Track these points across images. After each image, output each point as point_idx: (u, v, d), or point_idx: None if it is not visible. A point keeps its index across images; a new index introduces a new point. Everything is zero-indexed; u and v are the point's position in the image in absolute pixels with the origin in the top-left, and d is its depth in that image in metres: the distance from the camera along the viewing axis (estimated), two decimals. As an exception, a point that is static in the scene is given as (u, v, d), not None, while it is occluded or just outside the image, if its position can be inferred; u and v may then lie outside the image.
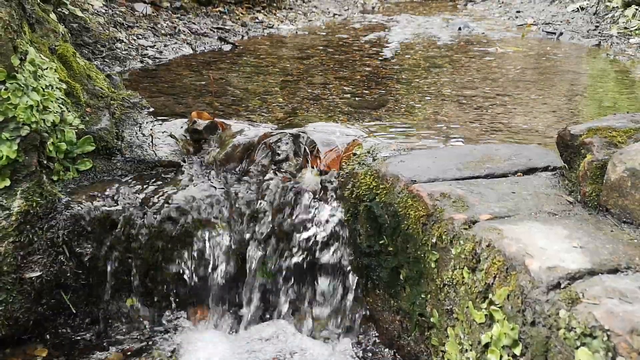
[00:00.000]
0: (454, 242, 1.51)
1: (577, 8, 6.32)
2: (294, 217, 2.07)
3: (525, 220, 1.48)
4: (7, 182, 1.89)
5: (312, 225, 2.05)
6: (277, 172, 2.21)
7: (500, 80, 3.52)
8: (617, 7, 5.65)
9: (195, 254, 2.07)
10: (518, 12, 7.02)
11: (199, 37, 4.62)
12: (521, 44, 5.03)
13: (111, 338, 2.04)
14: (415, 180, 1.76)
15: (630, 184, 1.44)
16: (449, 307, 1.55)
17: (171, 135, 2.41)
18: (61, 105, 2.16)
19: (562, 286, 1.20)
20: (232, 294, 2.11)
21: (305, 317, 2.07)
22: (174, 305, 2.11)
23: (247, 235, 2.09)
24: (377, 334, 1.99)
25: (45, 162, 2.04)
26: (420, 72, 3.75)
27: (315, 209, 2.07)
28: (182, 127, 2.44)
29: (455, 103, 2.94)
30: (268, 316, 2.11)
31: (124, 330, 2.07)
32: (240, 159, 2.28)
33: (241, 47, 4.51)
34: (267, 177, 2.19)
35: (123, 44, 3.89)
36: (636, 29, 5.12)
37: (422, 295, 1.68)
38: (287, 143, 2.26)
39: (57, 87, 2.19)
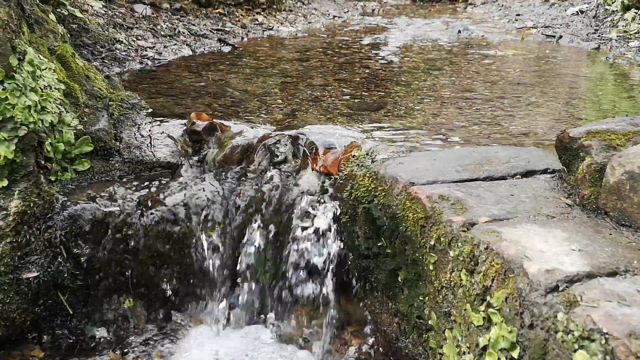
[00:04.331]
0: (452, 245, 1.51)
1: (577, 11, 6.33)
2: (292, 219, 2.07)
3: (524, 223, 1.48)
4: (5, 183, 1.89)
5: (311, 227, 2.04)
6: (276, 173, 2.21)
7: (500, 82, 3.52)
8: (617, 10, 5.66)
9: (192, 255, 2.06)
10: (517, 15, 7.02)
11: (199, 38, 4.62)
12: (520, 47, 5.04)
13: (108, 339, 2.03)
14: (413, 182, 1.76)
15: (629, 187, 1.44)
16: (447, 310, 1.55)
17: (170, 136, 2.41)
18: (59, 106, 2.16)
19: (561, 289, 1.19)
20: (229, 296, 2.10)
21: (302, 319, 2.06)
22: (171, 306, 2.11)
23: (245, 237, 2.08)
24: (375, 337, 1.98)
25: (43, 162, 2.04)
26: (420, 74, 3.75)
27: (314, 210, 2.06)
28: (180, 128, 2.44)
29: (455, 105, 2.94)
30: (266, 318, 2.10)
31: (121, 331, 2.06)
32: (239, 160, 2.28)
33: (241, 49, 4.51)
34: (265, 178, 2.19)
35: (122, 45, 3.89)
36: (636, 33, 5.13)
37: (420, 298, 1.68)
38: (286, 145, 2.25)
39: (55, 88, 2.18)
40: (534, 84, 3.52)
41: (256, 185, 2.16)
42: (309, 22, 6.31)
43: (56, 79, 2.22)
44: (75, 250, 1.98)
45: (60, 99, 2.19)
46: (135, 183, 2.18)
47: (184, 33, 4.61)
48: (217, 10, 5.52)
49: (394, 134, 2.41)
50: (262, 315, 2.10)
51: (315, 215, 2.05)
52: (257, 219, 2.09)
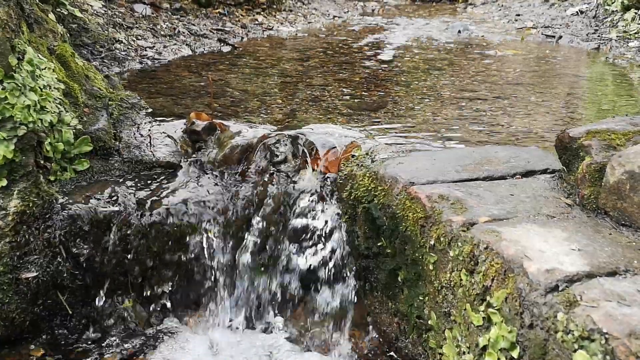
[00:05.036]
0: (452, 244, 1.50)
1: (577, 11, 6.33)
2: (292, 219, 2.06)
3: (524, 222, 1.48)
4: (4, 182, 1.89)
5: (310, 227, 2.04)
6: (275, 173, 2.21)
7: (500, 82, 3.51)
8: (617, 10, 5.66)
9: (191, 256, 2.06)
10: (517, 15, 7.02)
11: (199, 38, 4.62)
12: (520, 47, 5.03)
13: (107, 340, 2.03)
14: (413, 182, 1.76)
15: (629, 186, 1.44)
16: (446, 310, 1.55)
17: (169, 136, 2.40)
18: (59, 105, 2.16)
19: (560, 289, 1.19)
20: (228, 297, 2.10)
21: (301, 321, 2.06)
22: (170, 307, 2.10)
23: (244, 238, 2.08)
24: (375, 337, 1.98)
25: (42, 162, 2.04)
26: (420, 74, 3.75)
27: (314, 210, 2.06)
28: (180, 128, 2.43)
29: (454, 105, 2.94)
30: (263, 320, 2.10)
31: (120, 332, 2.06)
32: (238, 160, 2.27)
33: (240, 49, 4.51)
34: (265, 178, 2.19)
35: (122, 44, 3.89)
36: (635, 33, 5.13)
37: (420, 298, 1.68)
38: (285, 144, 2.25)
39: (55, 87, 2.18)
40: (534, 84, 3.52)
41: (255, 185, 2.16)
42: (309, 22, 6.31)
43: (55, 78, 2.22)
44: (74, 250, 1.98)
45: (60, 99, 2.19)
46: (134, 183, 2.18)
47: (183, 33, 4.61)
48: (217, 10, 5.52)
49: (394, 133, 2.40)
50: (260, 318, 2.10)
51: (315, 216, 2.05)
52: (257, 218, 2.08)
